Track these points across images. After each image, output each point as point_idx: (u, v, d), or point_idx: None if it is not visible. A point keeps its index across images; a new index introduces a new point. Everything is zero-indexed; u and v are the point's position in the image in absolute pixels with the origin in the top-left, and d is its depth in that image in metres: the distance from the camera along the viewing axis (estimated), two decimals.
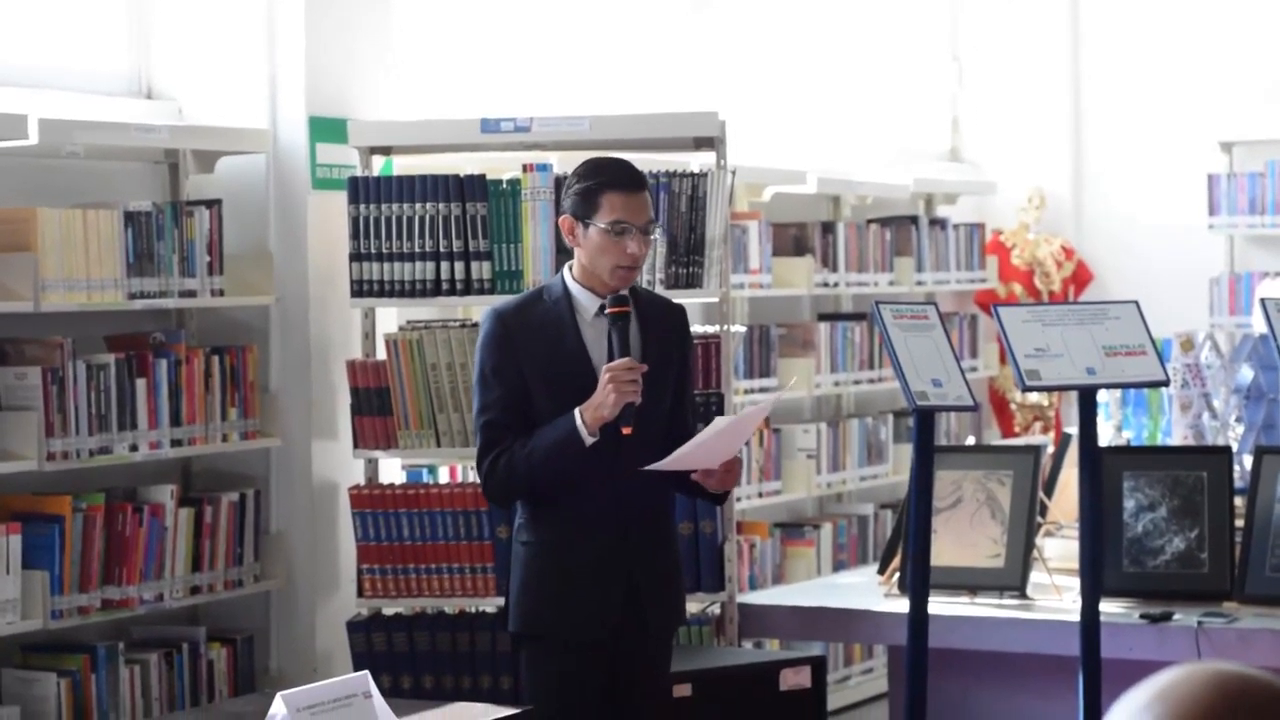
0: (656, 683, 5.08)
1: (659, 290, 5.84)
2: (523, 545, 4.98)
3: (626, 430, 4.76)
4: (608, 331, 4.88)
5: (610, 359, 4.87)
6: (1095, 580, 5.17)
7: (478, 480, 6.37)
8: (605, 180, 4.89)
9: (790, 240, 8.43)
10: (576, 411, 4.80)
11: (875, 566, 6.59)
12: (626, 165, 4.96)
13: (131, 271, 5.76)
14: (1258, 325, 6.87)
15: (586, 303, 4.92)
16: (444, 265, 6.13)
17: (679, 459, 4.79)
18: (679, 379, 5.00)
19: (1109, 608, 5.40)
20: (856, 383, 8.68)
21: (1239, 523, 5.72)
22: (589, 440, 4.79)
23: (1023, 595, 5.76)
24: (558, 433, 4.82)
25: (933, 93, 10.61)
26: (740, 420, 4.97)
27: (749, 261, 7.91)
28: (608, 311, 4.85)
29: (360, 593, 6.15)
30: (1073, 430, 5.92)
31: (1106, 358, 5.17)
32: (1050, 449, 6.56)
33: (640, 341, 4.91)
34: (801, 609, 6.13)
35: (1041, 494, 5.99)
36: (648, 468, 4.78)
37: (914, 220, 9.19)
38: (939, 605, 5.40)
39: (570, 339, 4.91)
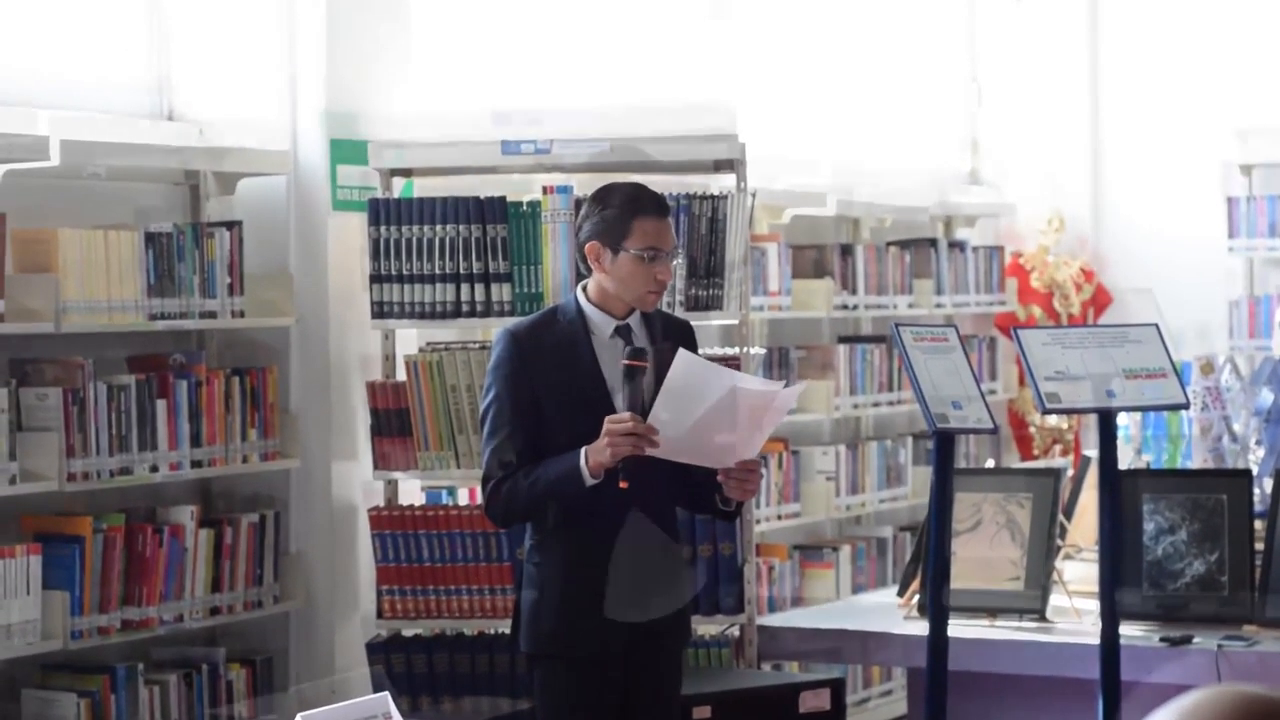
0: (669, 699, 5.08)
1: (678, 313, 5.85)
2: (534, 566, 4.99)
3: (623, 484, 4.71)
4: (622, 371, 4.85)
5: (622, 391, 4.87)
6: (1114, 603, 5.16)
7: None
8: (637, 207, 4.90)
9: (809, 262, 8.43)
10: (583, 451, 4.80)
11: (894, 589, 6.58)
12: (651, 191, 4.97)
13: (152, 292, 5.77)
14: (1277, 348, 6.87)
15: (601, 324, 4.93)
16: (464, 287, 6.14)
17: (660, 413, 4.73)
18: None
19: (1129, 630, 5.39)
20: (876, 405, 8.68)
21: (1259, 546, 5.71)
22: (590, 482, 4.77)
23: (1042, 618, 5.75)
24: (562, 468, 4.81)
25: (952, 114, 10.61)
26: (731, 400, 4.74)
27: (768, 284, 7.91)
28: (623, 363, 4.82)
29: (380, 614, 6.14)
30: (1092, 453, 5.91)
31: (1126, 380, 5.16)
32: (1070, 472, 6.55)
33: (654, 362, 4.90)
34: (821, 631, 6.12)
35: (1061, 517, 5.98)
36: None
37: (933, 243, 9.19)
38: (958, 628, 5.39)
39: (585, 359, 4.91)
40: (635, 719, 4.98)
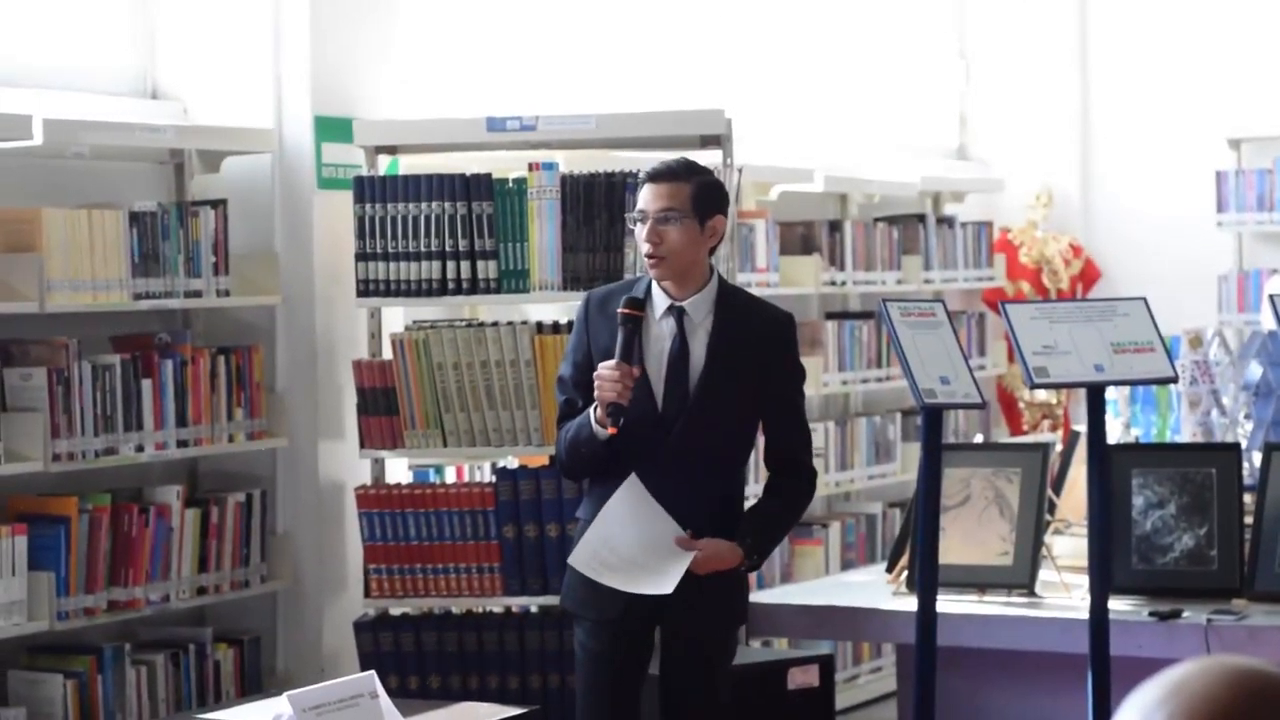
0: (711, 668, 5.04)
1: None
2: (578, 522, 5.08)
3: (611, 430, 4.80)
4: (619, 319, 4.91)
5: (670, 359, 4.93)
6: (1104, 578, 5.15)
7: (484, 479, 6.40)
8: (641, 178, 5.03)
9: (797, 239, 8.41)
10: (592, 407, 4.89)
11: (883, 565, 6.57)
12: (664, 161, 5.02)
13: (137, 272, 5.75)
14: (1266, 322, 6.85)
15: (660, 302, 4.96)
16: (450, 265, 6.12)
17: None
18: (772, 394, 5.01)
19: (1118, 605, 5.38)
20: (864, 381, 8.66)
21: (1248, 519, 5.70)
22: (601, 434, 4.84)
23: (1031, 593, 5.74)
24: (581, 420, 4.92)
25: (940, 90, 10.58)
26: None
27: (756, 260, 7.89)
28: (619, 310, 4.88)
29: (367, 593, 6.13)
30: (1081, 428, 5.90)
31: (1115, 354, 5.14)
32: (1059, 447, 6.54)
33: (708, 342, 4.94)
34: (810, 608, 6.10)
35: (1050, 492, 5.96)
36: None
37: (921, 219, 9.17)
38: (947, 604, 5.37)
39: None
40: (672, 684, 4.99)
